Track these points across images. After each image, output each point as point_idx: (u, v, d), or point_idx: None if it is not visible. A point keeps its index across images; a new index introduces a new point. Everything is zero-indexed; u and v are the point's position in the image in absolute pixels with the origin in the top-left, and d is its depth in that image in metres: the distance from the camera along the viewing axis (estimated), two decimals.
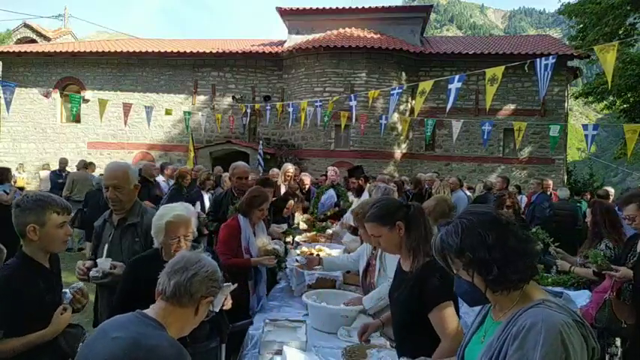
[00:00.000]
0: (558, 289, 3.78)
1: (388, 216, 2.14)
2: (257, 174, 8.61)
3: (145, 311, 1.56)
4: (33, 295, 2.00)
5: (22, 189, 11.63)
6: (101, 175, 12.79)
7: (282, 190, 6.48)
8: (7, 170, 7.51)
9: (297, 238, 5.37)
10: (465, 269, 1.34)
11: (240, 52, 17.68)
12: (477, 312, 1.55)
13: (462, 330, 1.90)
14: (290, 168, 6.89)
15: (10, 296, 1.94)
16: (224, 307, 2.27)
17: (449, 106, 7.50)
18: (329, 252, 4.52)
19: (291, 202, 5.44)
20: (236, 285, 2.24)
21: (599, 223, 3.80)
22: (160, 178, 8.26)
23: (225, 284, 2.20)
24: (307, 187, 7.29)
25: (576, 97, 22.19)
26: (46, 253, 2.12)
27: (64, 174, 10.59)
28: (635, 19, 17.45)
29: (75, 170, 10.39)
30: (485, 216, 1.35)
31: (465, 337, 1.54)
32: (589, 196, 12.15)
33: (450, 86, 7.47)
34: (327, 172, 7.78)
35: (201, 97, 18.31)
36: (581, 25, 18.98)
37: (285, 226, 5.27)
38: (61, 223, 2.09)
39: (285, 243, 4.80)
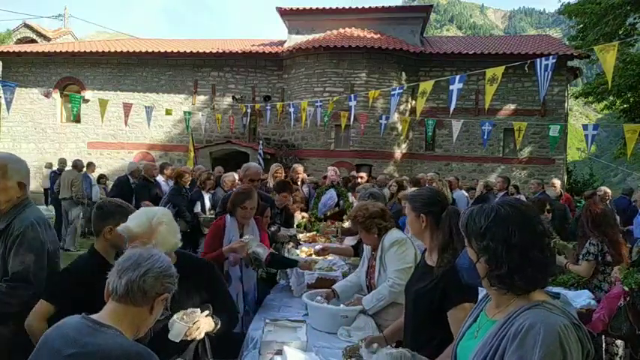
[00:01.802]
0: (558, 289, 3.78)
1: (418, 204, 2.22)
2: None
3: (94, 316, 1.44)
4: (95, 285, 2.09)
5: None
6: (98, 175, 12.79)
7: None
8: None
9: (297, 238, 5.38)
10: (475, 251, 1.35)
11: (240, 52, 17.69)
12: (473, 308, 1.55)
13: None
14: (277, 168, 6.46)
15: (75, 281, 2.14)
16: (189, 338, 1.98)
17: (451, 107, 7.46)
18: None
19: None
20: (207, 312, 2.03)
21: (583, 222, 3.95)
22: (160, 179, 8.26)
23: (190, 310, 1.95)
24: (300, 176, 7.19)
25: (576, 97, 22.20)
26: (114, 250, 2.38)
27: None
28: (635, 19, 17.46)
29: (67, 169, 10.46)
30: (522, 214, 1.32)
31: (459, 333, 1.55)
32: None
33: (451, 87, 7.47)
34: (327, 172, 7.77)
35: (201, 97, 18.31)
36: (581, 25, 18.99)
37: (293, 231, 5.24)
38: None
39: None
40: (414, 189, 4.10)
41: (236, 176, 6.88)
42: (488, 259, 1.30)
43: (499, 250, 1.28)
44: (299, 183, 7.23)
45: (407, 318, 2.25)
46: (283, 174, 6.52)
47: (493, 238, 1.30)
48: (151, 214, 2.17)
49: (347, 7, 19.21)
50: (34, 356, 1.41)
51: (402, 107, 16.36)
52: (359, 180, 7.61)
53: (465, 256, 1.42)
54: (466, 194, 9.62)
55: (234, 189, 4.87)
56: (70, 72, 18.77)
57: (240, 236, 3.42)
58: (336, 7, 18.31)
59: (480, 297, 1.58)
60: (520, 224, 1.30)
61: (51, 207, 11.21)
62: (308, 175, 10.12)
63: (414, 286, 2.18)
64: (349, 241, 4.84)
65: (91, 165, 11.02)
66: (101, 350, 1.32)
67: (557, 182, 9.07)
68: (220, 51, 17.70)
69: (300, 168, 7.35)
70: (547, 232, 1.34)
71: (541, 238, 1.30)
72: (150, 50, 18.20)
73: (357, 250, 3.98)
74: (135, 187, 7.71)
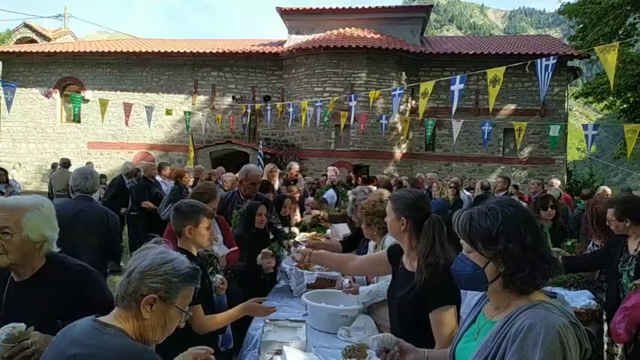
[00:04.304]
0: (558, 289, 3.77)
1: (400, 205, 2.16)
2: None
3: (102, 318, 1.43)
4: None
5: None
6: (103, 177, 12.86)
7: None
8: (4, 171, 7.93)
9: (297, 238, 5.37)
10: (488, 256, 1.31)
11: (240, 52, 17.69)
12: (470, 310, 1.55)
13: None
14: (272, 167, 6.55)
15: None
16: None
17: (454, 108, 7.45)
18: None
19: (288, 200, 5.44)
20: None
21: (588, 221, 3.86)
22: (159, 179, 8.25)
23: (10, 326, 1.57)
24: (296, 174, 7.19)
25: (576, 97, 22.18)
26: (197, 247, 2.54)
27: None
28: (635, 19, 17.44)
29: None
30: (525, 212, 1.34)
31: (456, 334, 1.54)
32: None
33: (452, 87, 7.47)
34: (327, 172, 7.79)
35: (201, 97, 18.31)
36: (581, 25, 18.98)
37: (295, 229, 5.25)
38: (208, 225, 2.52)
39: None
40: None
41: (234, 176, 6.88)
42: (507, 263, 1.28)
43: (516, 251, 1.27)
44: (298, 181, 7.23)
45: (393, 323, 2.23)
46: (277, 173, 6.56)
47: (509, 239, 1.28)
48: (31, 197, 1.92)
49: (347, 7, 19.20)
50: (45, 352, 1.42)
51: (402, 107, 16.35)
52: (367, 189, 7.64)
53: (463, 262, 1.38)
54: (468, 194, 9.61)
55: (239, 192, 4.77)
56: (70, 72, 18.77)
57: None
58: (336, 7, 18.31)
59: (467, 298, 1.57)
60: (527, 222, 1.31)
61: None
62: (304, 176, 10.12)
63: (397, 293, 2.14)
64: (343, 229, 4.86)
65: (89, 165, 11.07)
66: (101, 352, 1.30)
67: (556, 182, 9.07)
68: (220, 51, 17.70)
69: (295, 166, 7.34)
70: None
71: (540, 233, 1.33)
72: (150, 50, 18.20)
73: (356, 243, 3.97)
74: (136, 187, 7.72)
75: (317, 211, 5.50)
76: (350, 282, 3.02)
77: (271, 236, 4.65)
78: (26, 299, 1.80)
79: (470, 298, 2.47)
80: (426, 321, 1.96)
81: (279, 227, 4.75)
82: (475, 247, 1.34)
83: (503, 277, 1.30)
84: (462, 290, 1.94)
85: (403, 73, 16.75)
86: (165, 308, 1.44)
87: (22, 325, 1.59)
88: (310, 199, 7.17)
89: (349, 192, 5.59)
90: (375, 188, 6.21)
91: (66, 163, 10.18)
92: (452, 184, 8.01)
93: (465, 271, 1.37)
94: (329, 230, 6.01)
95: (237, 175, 7.85)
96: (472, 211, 1.37)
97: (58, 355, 1.34)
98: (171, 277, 1.43)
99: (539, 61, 6.21)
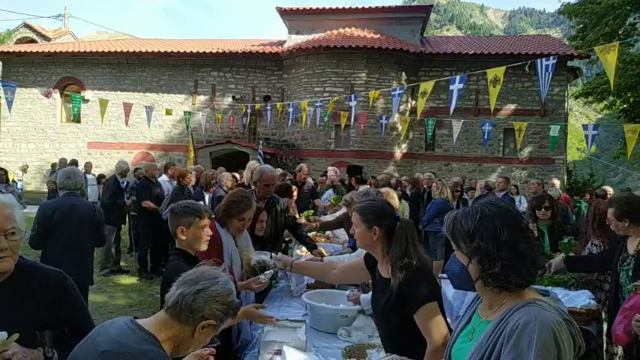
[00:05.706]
0: (558, 289, 3.77)
1: (370, 216, 2.14)
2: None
3: (141, 321, 1.44)
4: None
5: None
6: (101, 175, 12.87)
7: None
8: (4, 171, 7.97)
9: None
10: (467, 254, 1.34)
11: (240, 52, 17.70)
12: (465, 310, 1.55)
13: (448, 334, 1.89)
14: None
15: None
16: None
17: (452, 108, 7.47)
18: (327, 252, 4.53)
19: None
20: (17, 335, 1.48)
21: (589, 221, 3.87)
22: (164, 178, 8.26)
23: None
24: (305, 176, 7.17)
25: (576, 97, 22.20)
26: (192, 249, 2.48)
27: None
28: (635, 19, 17.45)
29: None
30: (506, 211, 1.34)
31: (452, 335, 1.54)
32: (589, 196, 12.12)
33: (451, 87, 7.47)
34: (327, 172, 7.80)
35: (201, 97, 18.32)
36: (581, 25, 18.99)
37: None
38: (202, 225, 2.45)
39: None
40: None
41: (234, 175, 6.89)
42: (481, 259, 1.30)
43: (490, 248, 1.28)
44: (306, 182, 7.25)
45: (381, 331, 2.23)
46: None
47: (482, 237, 1.30)
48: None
49: (347, 7, 19.22)
50: (81, 344, 1.44)
51: (402, 107, 16.35)
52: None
53: (453, 262, 1.40)
54: (466, 196, 9.60)
55: (255, 193, 4.59)
56: (70, 72, 18.78)
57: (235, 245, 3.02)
58: (336, 7, 18.32)
59: (467, 298, 1.57)
60: (505, 221, 1.31)
61: None
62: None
63: (379, 301, 2.14)
64: (341, 232, 4.87)
65: (88, 165, 11.12)
66: (131, 352, 1.33)
67: (556, 182, 9.07)
68: (220, 51, 17.71)
69: (306, 168, 7.36)
70: (529, 227, 1.36)
71: (525, 232, 1.33)
72: (150, 50, 18.21)
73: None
74: (136, 188, 7.72)
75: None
76: (352, 291, 3.02)
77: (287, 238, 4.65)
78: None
79: (470, 297, 2.47)
80: (412, 323, 1.95)
81: (300, 230, 4.47)
82: (458, 247, 1.37)
83: (480, 275, 1.32)
84: (462, 290, 1.94)
85: (403, 73, 16.75)
86: (210, 333, 1.49)
87: (4, 334, 1.46)
88: (317, 200, 7.19)
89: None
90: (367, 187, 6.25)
91: (74, 164, 10.26)
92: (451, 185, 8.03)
93: (454, 270, 1.40)
94: (328, 231, 6.02)
95: (235, 174, 7.91)
96: (457, 213, 1.40)
97: (92, 348, 1.38)
98: (229, 309, 1.49)
99: (539, 61, 6.21)
